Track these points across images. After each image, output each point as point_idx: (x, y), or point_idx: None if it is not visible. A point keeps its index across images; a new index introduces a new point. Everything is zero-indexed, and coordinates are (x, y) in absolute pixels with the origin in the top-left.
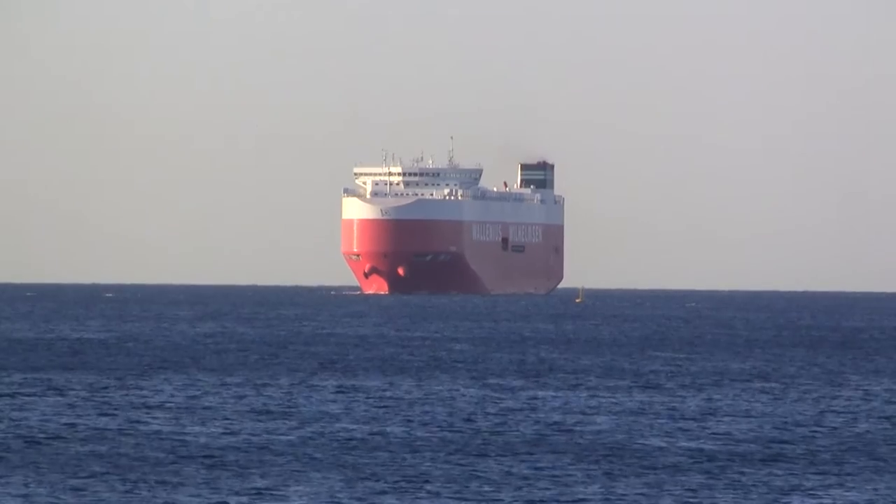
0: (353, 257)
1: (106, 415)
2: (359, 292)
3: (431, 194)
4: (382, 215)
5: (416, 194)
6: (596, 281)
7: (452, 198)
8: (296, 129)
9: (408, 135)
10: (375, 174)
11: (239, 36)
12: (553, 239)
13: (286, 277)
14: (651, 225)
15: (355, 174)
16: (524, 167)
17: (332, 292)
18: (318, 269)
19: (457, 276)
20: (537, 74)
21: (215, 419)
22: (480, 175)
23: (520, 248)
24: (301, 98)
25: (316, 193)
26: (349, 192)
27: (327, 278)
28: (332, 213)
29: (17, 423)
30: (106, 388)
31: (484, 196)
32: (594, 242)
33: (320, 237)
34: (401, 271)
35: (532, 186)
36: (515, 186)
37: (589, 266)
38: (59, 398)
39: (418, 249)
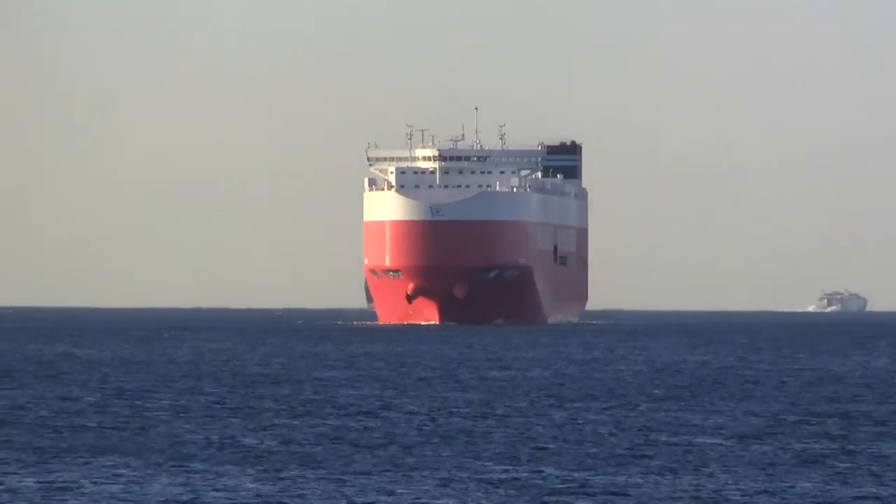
0: (390, 274)
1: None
2: (370, 322)
3: (479, 186)
4: (433, 215)
5: (458, 185)
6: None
7: (520, 190)
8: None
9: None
10: (399, 158)
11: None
12: (581, 247)
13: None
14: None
15: (370, 159)
16: (551, 150)
17: (339, 322)
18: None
19: (518, 299)
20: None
21: None
22: (542, 160)
23: (563, 260)
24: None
25: (314, 186)
26: (376, 185)
27: (334, 300)
28: (342, 212)
29: None
30: None
31: (543, 189)
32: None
33: (322, 247)
34: (458, 292)
35: (560, 175)
36: (537, 174)
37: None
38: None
39: (480, 263)
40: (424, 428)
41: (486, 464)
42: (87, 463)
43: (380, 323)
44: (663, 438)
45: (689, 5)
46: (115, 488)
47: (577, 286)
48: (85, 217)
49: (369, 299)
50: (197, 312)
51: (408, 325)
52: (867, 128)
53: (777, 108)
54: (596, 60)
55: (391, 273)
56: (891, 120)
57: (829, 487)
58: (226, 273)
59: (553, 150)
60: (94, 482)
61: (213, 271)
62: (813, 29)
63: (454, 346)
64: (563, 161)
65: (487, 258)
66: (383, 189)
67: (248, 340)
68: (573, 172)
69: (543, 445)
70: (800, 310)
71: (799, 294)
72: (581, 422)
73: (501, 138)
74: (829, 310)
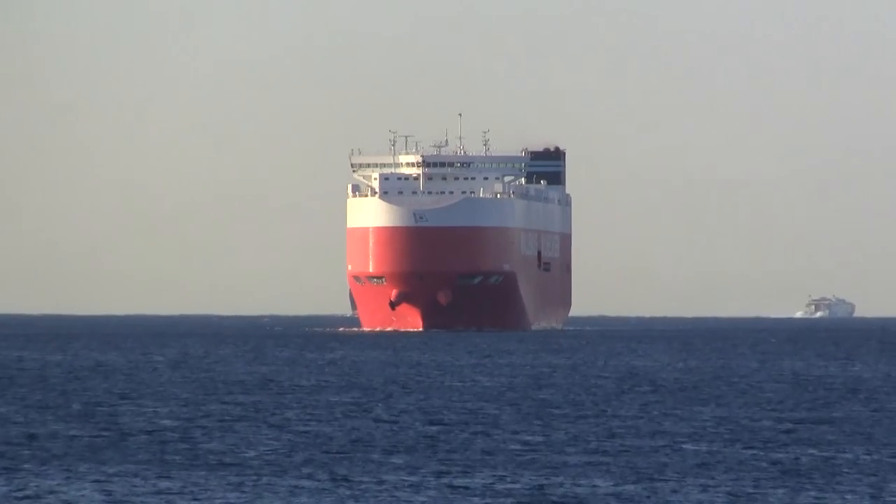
0: (373, 280)
1: None
2: (356, 328)
3: (463, 192)
4: (416, 221)
5: (442, 191)
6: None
7: (504, 196)
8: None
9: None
10: (382, 164)
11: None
12: (566, 252)
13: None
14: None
15: (353, 166)
16: (534, 156)
17: (317, 328)
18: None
19: (502, 306)
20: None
21: None
22: (525, 166)
23: (547, 266)
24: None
25: (298, 192)
26: (359, 191)
27: (319, 307)
28: (326, 218)
29: None
30: None
31: (527, 195)
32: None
33: (307, 254)
34: (442, 299)
35: (543, 181)
36: (521, 181)
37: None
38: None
39: (464, 269)
40: (404, 434)
41: (467, 470)
42: (67, 469)
43: (363, 329)
44: (643, 445)
45: (673, 12)
46: (95, 496)
47: (561, 292)
48: (66, 223)
49: (353, 306)
50: (182, 319)
51: (392, 331)
52: (853, 135)
53: (762, 114)
54: (579, 66)
55: (375, 279)
56: (877, 128)
57: (808, 493)
58: (210, 280)
59: (537, 156)
60: (76, 490)
61: (198, 278)
62: (794, 37)
63: (437, 353)
64: (546, 167)
65: (471, 264)
66: (367, 195)
67: (231, 347)
68: (557, 178)
69: (523, 452)
70: (787, 316)
71: (786, 300)
72: (561, 428)
73: (485, 144)
74: (816, 315)
